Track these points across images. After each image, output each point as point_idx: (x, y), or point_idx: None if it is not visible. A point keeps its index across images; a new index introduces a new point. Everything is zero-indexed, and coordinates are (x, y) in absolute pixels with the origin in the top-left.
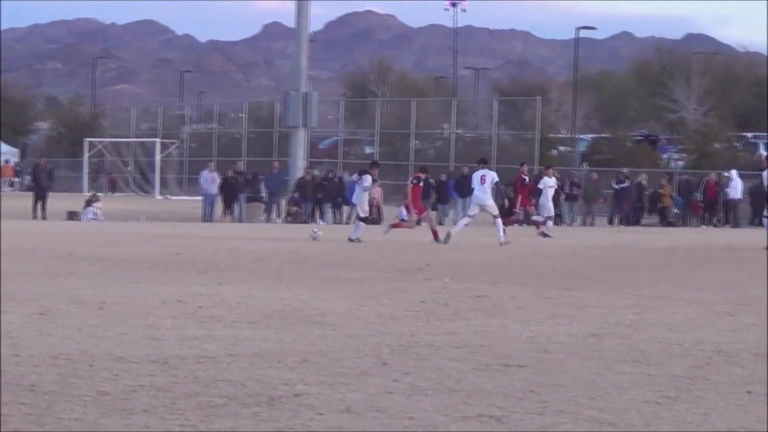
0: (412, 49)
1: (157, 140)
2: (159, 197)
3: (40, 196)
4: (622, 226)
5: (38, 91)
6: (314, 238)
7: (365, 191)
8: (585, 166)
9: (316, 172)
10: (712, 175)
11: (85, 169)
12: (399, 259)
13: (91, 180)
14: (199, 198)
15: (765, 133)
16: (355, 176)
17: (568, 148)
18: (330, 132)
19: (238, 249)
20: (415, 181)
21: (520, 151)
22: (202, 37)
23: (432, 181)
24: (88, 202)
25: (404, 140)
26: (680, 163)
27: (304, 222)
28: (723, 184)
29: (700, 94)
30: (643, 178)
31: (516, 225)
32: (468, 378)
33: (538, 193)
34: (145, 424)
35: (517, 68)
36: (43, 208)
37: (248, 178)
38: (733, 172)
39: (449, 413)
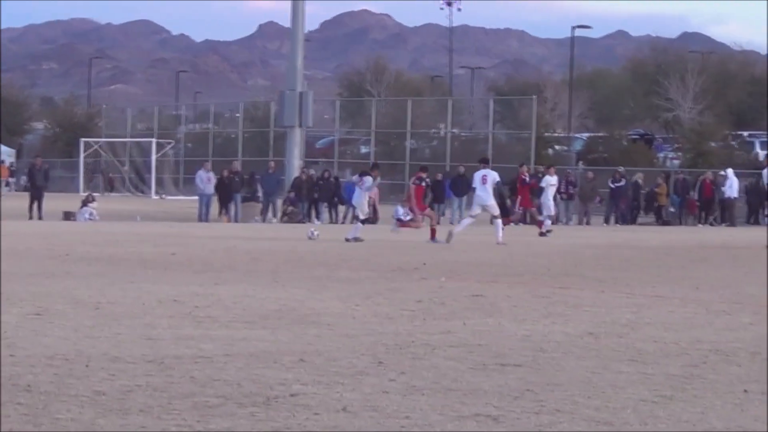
0: (408, 49)
1: (153, 140)
2: (155, 197)
3: (36, 197)
4: (618, 225)
5: (33, 92)
6: (311, 238)
7: (367, 192)
8: (581, 165)
9: (312, 171)
10: (709, 174)
11: (81, 170)
12: (395, 259)
13: (87, 180)
14: (195, 198)
15: (761, 132)
16: (355, 177)
17: (564, 147)
18: (326, 131)
19: (235, 249)
20: (417, 181)
21: (516, 151)
22: (198, 37)
23: (428, 180)
24: (84, 203)
25: (400, 140)
26: (676, 162)
27: (300, 222)
28: (719, 182)
29: (695, 93)
30: (638, 177)
31: (512, 224)
32: (464, 377)
33: (539, 192)
34: (141, 424)
35: (513, 67)
36: (39, 208)
37: (245, 177)
38: (729, 171)
39: (445, 412)
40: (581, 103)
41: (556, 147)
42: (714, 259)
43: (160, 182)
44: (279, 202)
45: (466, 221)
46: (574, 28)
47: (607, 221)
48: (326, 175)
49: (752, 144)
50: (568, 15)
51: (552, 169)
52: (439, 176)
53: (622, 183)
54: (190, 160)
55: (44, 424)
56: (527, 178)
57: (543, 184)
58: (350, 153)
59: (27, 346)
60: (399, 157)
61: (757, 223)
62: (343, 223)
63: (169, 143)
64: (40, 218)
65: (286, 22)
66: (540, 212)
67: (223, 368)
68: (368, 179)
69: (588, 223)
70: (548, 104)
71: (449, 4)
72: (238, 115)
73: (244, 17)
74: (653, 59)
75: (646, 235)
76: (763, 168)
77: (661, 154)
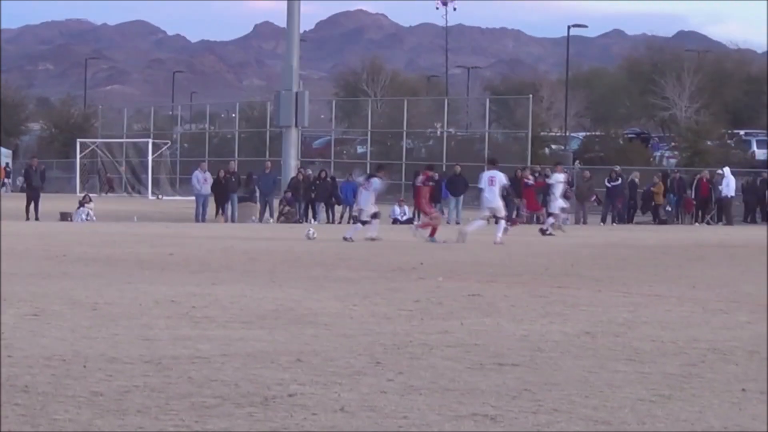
0: (404, 49)
1: (150, 141)
2: (151, 198)
3: (33, 198)
4: (615, 225)
5: (30, 92)
6: (309, 238)
7: (374, 193)
8: (577, 165)
9: (309, 171)
10: (705, 173)
11: (78, 170)
12: (392, 259)
13: (83, 181)
14: (192, 198)
15: (757, 130)
16: (361, 179)
17: (561, 147)
18: (322, 131)
19: (232, 249)
20: (429, 182)
21: (512, 150)
22: (194, 38)
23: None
24: (81, 203)
25: (396, 139)
26: (672, 160)
27: (297, 222)
28: (716, 181)
29: (691, 92)
30: (635, 176)
31: (517, 225)
32: (462, 377)
33: (545, 190)
34: (139, 424)
35: (509, 67)
36: (36, 209)
37: (243, 178)
38: (726, 170)
39: (443, 412)
40: (577, 103)
41: (553, 146)
42: (711, 257)
43: (156, 183)
44: (276, 203)
45: (479, 222)
46: (570, 27)
47: (603, 220)
48: (323, 175)
49: (749, 142)
50: (564, 14)
51: (560, 167)
52: (436, 176)
53: (619, 182)
54: (186, 160)
55: (42, 425)
56: (530, 181)
57: (552, 181)
58: (346, 153)
59: (24, 347)
60: (395, 157)
61: (754, 221)
62: (339, 223)
63: (166, 143)
64: (36, 219)
65: (281, 22)
66: (549, 210)
67: (220, 368)
68: (376, 181)
69: (585, 223)
70: (544, 103)
71: (445, 4)
72: (234, 115)
73: (239, 17)
74: (649, 58)
75: (642, 234)
76: (759, 167)
77: (658, 153)
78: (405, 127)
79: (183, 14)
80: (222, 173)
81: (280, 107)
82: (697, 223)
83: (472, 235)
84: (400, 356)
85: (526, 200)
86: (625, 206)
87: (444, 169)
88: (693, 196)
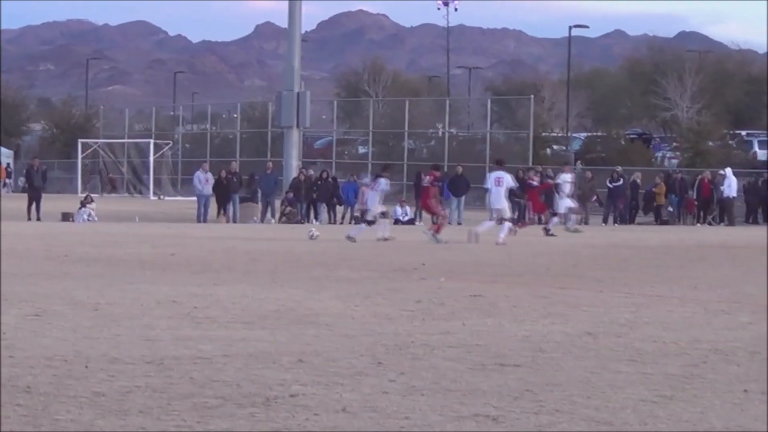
0: (405, 49)
1: (151, 141)
2: (153, 198)
3: (35, 198)
4: (617, 225)
5: (31, 93)
6: (312, 239)
7: (381, 193)
8: (579, 165)
9: (311, 172)
10: (707, 174)
11: (79, 171)
12: (394, 259)
13: (85, 181)
14: (193, 198)
15: (759, 131)
16: (367, 180)
17: (562, 147)
18: (324, 132)
19: (233, 249)
20: (436, 183)
21: (514, 150)
22: (195, 38)
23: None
24: (83, 204)
25: (398, 140)
26: (674, 161)
27: (299, 222)
28: (717, 182)
29: (693, 92)
30: (636, 177)
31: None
32: (464, 377)
33: (550, 192)
34: (140, 425)
35: (510, 67)
36: (38, 209)
37: (245, 178)
38: (728, 170)
39: (445, 413)
40: (579, 103)
41: (554, 147)
42: (712, 258)
43: (158, 183)
44: (277, 203)
45: (489, 223)
46: (571, 27)
47: (605, 221)
48: (324, 175)
49: (750, 143)
50: (565, 14)
51: (567, 167)
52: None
53: (620, 183)
54: (188, 160)
55: (44, 426)
56: (534, 182)
57: (560, 181)
58: (348, 153)
59: (26, 347)
60: (397, 158)
61: (755, 222)
62: (341, 223)
63: (167, 144)
64: (38, 219)
65: (283, 22)
66: (556, 210)
67: (222, 369)
68: (383, 181)
69: (586, 223)
70: (546, 104)
71: (446, 4)
72: (235, 115)
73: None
74: (651, 58)
75: (644, 234)
76: (761, 167)
77: (659, 154)
78: (406, 128)
79: (184, 14)
80: (223, 174)
81: (282, 108)
82: (698, 224)
83: (483, 236)
84: (402, 357)
85: (530, 202)
86: (626, 207)
87: (445, 169)
88: (695, 197)
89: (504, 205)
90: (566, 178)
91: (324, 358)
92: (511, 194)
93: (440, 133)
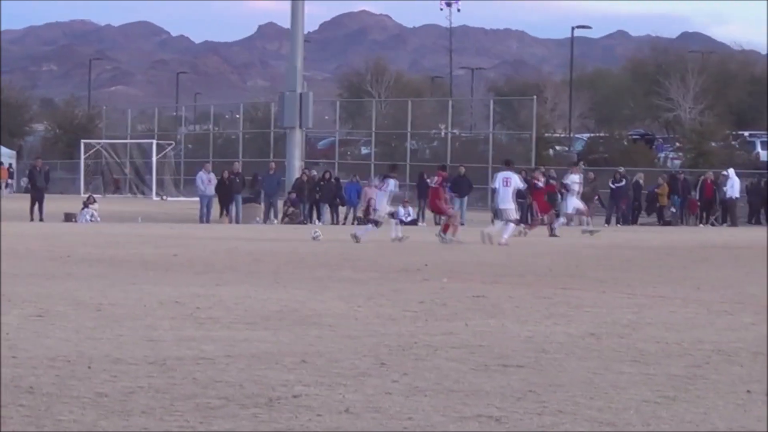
0: (408, 50)
1: (154, 141)
2: (156, 198)
3: (37, 198)
4: (620, 226)
5: (34, 93)
6: (315, 239)
7: (390, 194)
8: (581, 166)
9: (314, 172)
10: (710, 174)
11: (82, 171)
12: (397, 260)
13: (88, 182)
14: (196, 199)
15: (762, 132)
16: (375, 181)
17: (565, 148)
18: (326, 132)
19: (236, 250)
20: (446, 184)
21: (517, 151)
22: (197, 38)
23: (429, 181)
24: (85, 204)
25: (400, 140)
26: (677, 162)
27: (301, 223)
28: (720, 182)
29: (695, 93)
30: (639, 177)
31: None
32: (466, 378)
33: (554, 193)
34: (143, 425)
35: (513, 68)
36: (40, 210)
37: (248, 179)
38: (731, 171)
39: (448, 413)
40: (581, 104)
41: (557, 147)
42: (715, 259)
43: (161, 183)
44: (280, 203)
45: (500, 224)
46: (573, 28)
47: (608, 221)
48: (327, 176)
49: (753, 144)
50: (567, 15)
51: (576, 168)
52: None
53: (623, 183)
54: (190, 161)
55: (46, 426)
56: (540, 183)
57: (568, 182)
58: (351, 154)
59: (29, 348)
60: (400, 158)
61: (758, 222)
62: (344, 224)
63: (170, 144)
64: (41, 220)
65: (285, 22)
66: (564, 210)
67: (225, 369)
68: (392, 182)
69: (589, 224)
70: (548, 104)
71: (449, 5)
72: (238, 116)
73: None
74: (653, 59)
75: (647, 235)
76: (764, 168)
77: (662, 154)
78: (409, 128)
79: (186, 15)
80: (226, 174)
81: (284, 108)
82: (701, 225)
83: (472, 236)
84: (405, 357)
85: (536, 203)
86: (629, 207)
87: (448, 170)
88: (697, 198)
89: (511, 205)
90: (574, 179)
91: (327, 358)
92: (516, 195)
93: (443, 133)
